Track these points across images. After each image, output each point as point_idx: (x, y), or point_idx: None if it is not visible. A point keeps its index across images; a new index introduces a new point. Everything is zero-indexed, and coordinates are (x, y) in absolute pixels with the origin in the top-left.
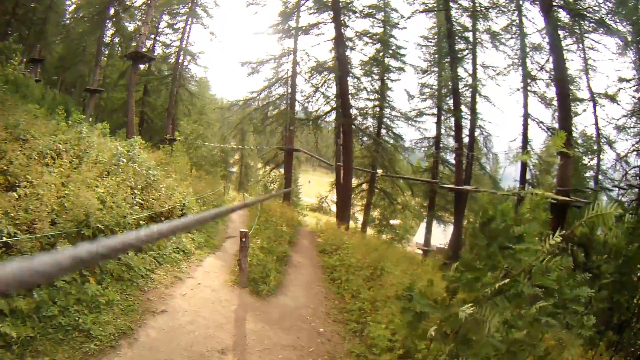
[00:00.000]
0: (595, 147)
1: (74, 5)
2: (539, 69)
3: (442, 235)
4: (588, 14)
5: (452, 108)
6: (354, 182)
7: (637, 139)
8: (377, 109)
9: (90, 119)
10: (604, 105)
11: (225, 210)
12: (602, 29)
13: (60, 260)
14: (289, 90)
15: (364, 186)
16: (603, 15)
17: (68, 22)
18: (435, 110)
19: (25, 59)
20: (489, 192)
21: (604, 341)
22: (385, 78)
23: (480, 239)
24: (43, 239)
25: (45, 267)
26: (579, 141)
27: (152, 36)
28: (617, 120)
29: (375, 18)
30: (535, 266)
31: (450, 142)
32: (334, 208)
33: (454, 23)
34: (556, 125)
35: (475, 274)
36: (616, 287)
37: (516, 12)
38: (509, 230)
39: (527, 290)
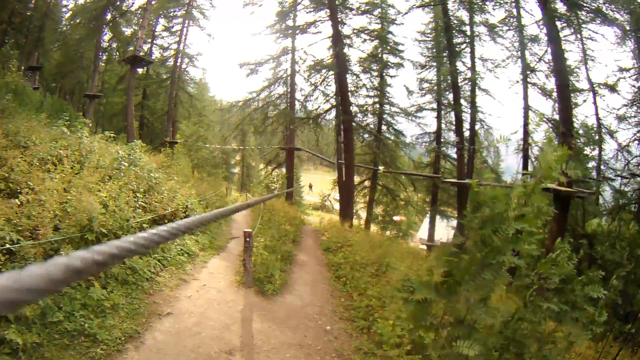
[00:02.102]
0: (597, 138)
1: (70, 12)
2: (537, 60)
3: (445, 230)
4: (585, 4)
5: (452, 102)
6: (356, 179)
7: (638, 128)
8: (377, 106)
9: (91, 125)
10: (604, 95)
11: (231, 209)
12: (599, 19)
13: (53, 272)
14: (289, 90)
15: (366, 183)
16: (600, 5)
17: (65, 28)
18: (435, 105)
19: (23, 67)
20: (492, 185)
21: (613, 332)
22: (384, 74)
23: (473, 222)
24: (46, 244)
25: (37, 282)
26: (580, 132)
27: (150, 40)
28: (618, 110)
29: (372, 15)
30: (540, 256)
31: (451, 136)
32: (337, 206)
33: (451, 17)
34: (557, 117)
35: (472, 256)
36: (630, 279)
37: (513, 4)
38: (502, 214)
39: (527, 280)
